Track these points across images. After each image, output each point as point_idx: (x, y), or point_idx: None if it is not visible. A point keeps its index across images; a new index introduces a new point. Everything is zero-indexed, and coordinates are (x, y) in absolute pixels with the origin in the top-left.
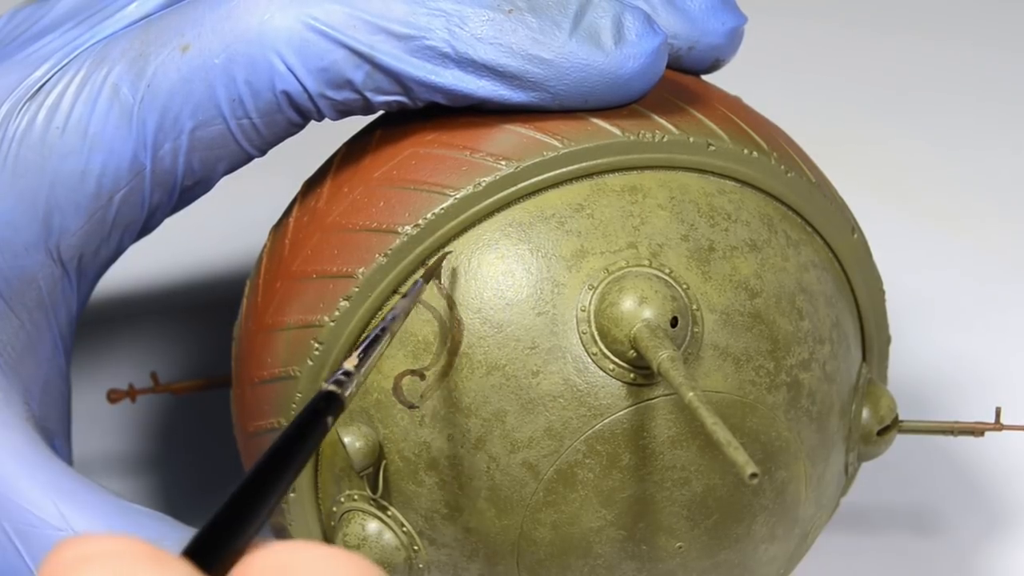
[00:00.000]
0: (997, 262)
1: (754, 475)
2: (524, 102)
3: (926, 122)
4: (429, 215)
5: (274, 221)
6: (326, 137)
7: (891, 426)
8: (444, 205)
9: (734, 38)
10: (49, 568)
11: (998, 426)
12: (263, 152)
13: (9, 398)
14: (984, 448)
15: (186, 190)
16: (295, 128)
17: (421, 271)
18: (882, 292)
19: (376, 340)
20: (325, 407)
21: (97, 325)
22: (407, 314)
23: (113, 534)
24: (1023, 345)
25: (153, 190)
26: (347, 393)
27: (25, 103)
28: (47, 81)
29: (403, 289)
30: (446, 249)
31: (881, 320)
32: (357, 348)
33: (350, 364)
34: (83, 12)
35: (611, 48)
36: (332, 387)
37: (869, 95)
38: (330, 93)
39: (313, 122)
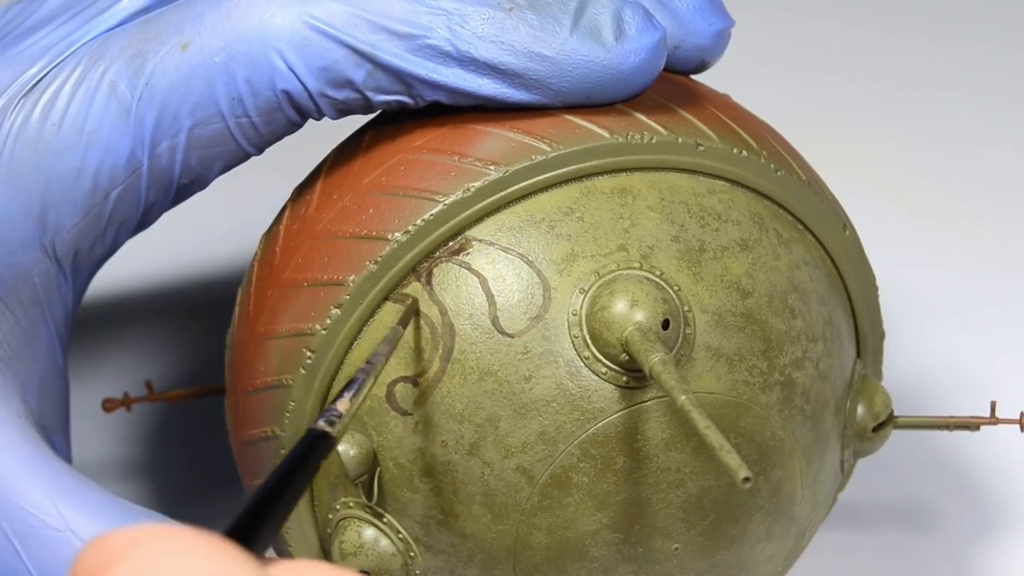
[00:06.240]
0: (994, 260)
1: (747, 479)
2: (527, 100)
3: (924, 121)
4: (419, 221)
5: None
6: (325, 138)
7: (886, 422)
8: (433, 211)
9: (720, 40)
10: (92, 555)
11: (993, 420)
12: (260, 151)
13: (7, 395)
14: (980, 444)
15: (182, 187)
16: (294, 127)
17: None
18: (875, 287)
19: (362, 383)
20: (319, 447)
21: (93, 330)
22: (387, 359)
23: (163, 523)
24: (1018, 342)
25: (149, 188)
26: (336, 431)
27: (20, 99)
28: (43, 77)
29: (393, 298)
30: (410, 294)
31: (875, 316)
32: (348, 390)
33: (342, 406)
34: (76, 6)
35: (612, 44)
36: (324, 426)
37: (867, 93)
38: (331, 92)
39: (311, 121)
